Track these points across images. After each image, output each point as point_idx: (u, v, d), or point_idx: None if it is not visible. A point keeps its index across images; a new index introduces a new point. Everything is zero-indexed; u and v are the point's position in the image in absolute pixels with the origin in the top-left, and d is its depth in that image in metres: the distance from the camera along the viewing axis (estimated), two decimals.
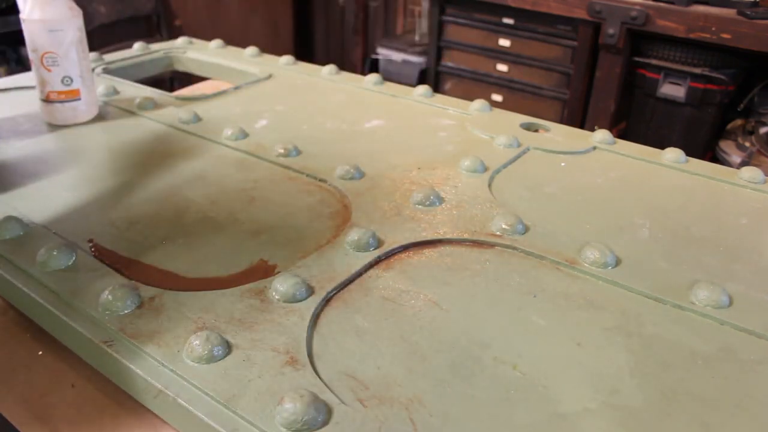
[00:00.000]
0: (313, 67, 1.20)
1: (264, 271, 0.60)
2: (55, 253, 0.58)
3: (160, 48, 1.28)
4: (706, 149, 2.05)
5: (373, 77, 1.11)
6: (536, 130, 0.96)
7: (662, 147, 0.89)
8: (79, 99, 0.91)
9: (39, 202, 0.71)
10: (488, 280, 0.59)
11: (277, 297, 0.54)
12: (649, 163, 0.86)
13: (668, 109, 2.05)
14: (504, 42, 2.33)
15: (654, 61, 2.02)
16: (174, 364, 0.47)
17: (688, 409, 0.45)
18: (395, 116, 0.99)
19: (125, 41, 1.64)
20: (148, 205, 0.70)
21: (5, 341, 0.58)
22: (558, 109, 2.29)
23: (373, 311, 0.55)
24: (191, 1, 2.67)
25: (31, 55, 0.88)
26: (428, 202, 0.71)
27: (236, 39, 1.78)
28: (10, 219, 0.64)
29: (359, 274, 0.59)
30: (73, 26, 0.88)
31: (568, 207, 0.74)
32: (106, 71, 1.14)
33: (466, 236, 0.65)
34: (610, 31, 2.00)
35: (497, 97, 2.42)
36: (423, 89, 1.06)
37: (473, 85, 2.47)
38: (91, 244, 0.62)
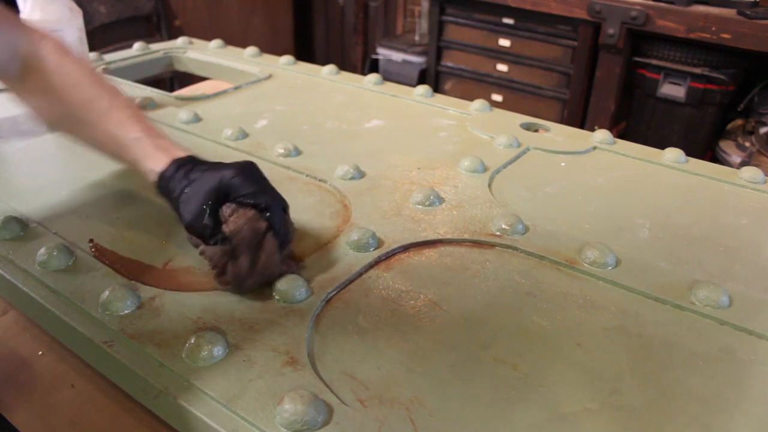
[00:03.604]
0: (313, 67, 1.20)
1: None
2: (55, 253, 0.58)
3: (160, 48, 1.28)
4: (706, 149, 2.05)
5: (373, 77, 1.11)
6: (536, 130, 0.96)
7: (662, 147, 0.89)
8: None
9: (39, 202, 0.71)
10: (488, 280, 0.59)
11: (277, 297, 0.54)
12: (649, 163, 0.86)
13: (668, 109, 2.05)
14: (504, 42, 2.33)
15: (654, 61, 2.01)
16: (174, 364, 0.47)
17: (688, 409, 0.45)
18: (395, 116, 0.99)
19: (125, 41, 1.64)
20: (148, 205, 0.70)
21: (5, 341, 0.58)
22: (558, 109, 2.29)
23: (373, 311, 0.55)
24: (191, 1, 2.67)
25: None
26: (428, 202, 0.71)
27: (236, 39, 1.78)
28: (10, 219, 0.64)
29: (359, 274, 0.59)
30: (73, 26, 0.88)
31: (568, 207, 0.74)
32: (106, 71, 1.14)
33: (466, 236, 0.65)
34: (610, 31, 2.00)
35: (497, 97, 2.42)
36: (423, 89, 1.06)
37: (473, 85, 2.47)
38: (91, 244, 0.62)
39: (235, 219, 0.56)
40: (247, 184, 0.57)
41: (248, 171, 0.59)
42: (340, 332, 0.52)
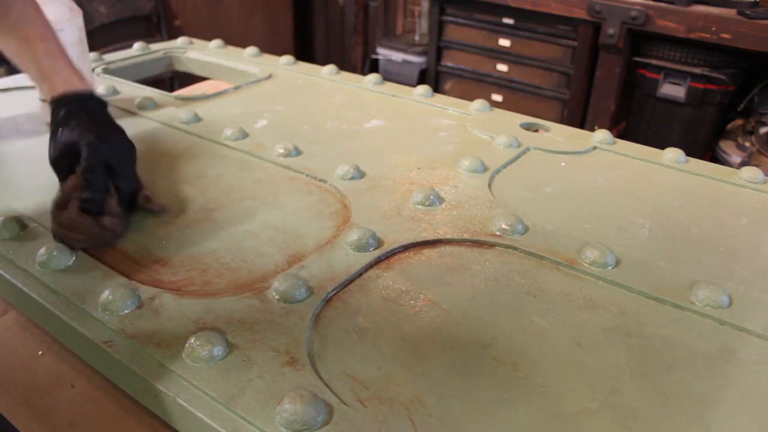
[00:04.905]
0: (313, 67, 1.20)
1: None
2: (55, 253, 0.58)
3: (160, 48, 1.28)
4: (706, 149, 2.05)
5: (373, 77, 1.11)
6: (536, 130, 0.96)
7: (662, 147, 0.89)
8: None
9: (39, 202, 0.71)
10: (488, 280, 0.59)
11: (277, 297, 0.54)
12: (649, 163, 0.86)
13: (668, 109, 2.04)
14: (504, 42, 2.33)
15: (654, 61, 2.01)
16: (174, 364, 0.47)
17: (688, 409, 0.45)
18: (395, 116, 0.99)
19: (125, 41, 1.64)
20: None
21: (5, 341, 0.58)
22: (558, 109, 2.29)
23: (373, 311, 0.55)
24: (191, 1, 2.67)
25: None
26: (428, 202, 0.71)
27: (236, 39, 1.78)
28: (10, 219, 0.64)
29: (359, 274, 0.59)
30: (73, 26, 0.88)
31: (568, 207, 0.74)
32: (106, 71, 1.14)
33: (466, 236, 0.65)
34: (610, 31, 2.00)
35: (497, 97, 2.42)
36: (423, 89, 1.06)
37: (473, 85, 2.47)
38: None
39: (74, 176, 0.63)
40: (91, 155, 0.62)
41: (105, 143, 0.63)
42: (340, 332, 0.52)
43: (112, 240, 0.63)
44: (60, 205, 0.62)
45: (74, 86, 0.66)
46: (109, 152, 0.63)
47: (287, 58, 1.21)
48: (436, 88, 2.50)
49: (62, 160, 0.64)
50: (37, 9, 0.70)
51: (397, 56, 2.73)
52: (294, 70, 1.18)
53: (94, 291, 0.55)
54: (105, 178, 0.63)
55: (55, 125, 0.64)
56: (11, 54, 0.69)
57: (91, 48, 1.01)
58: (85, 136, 0.62)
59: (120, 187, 0.64)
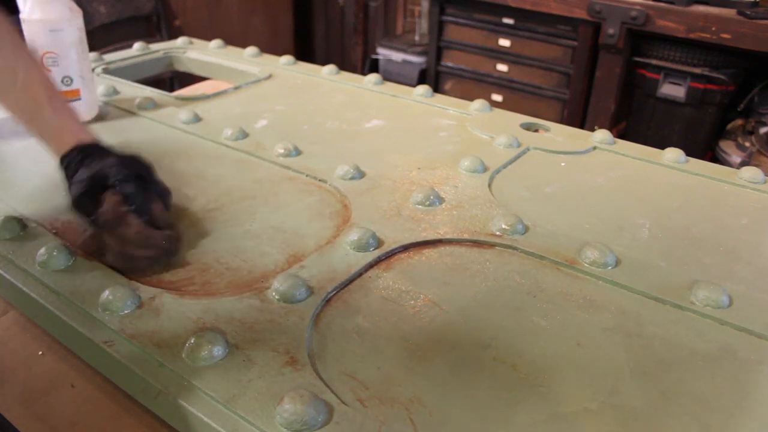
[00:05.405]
0: (313, 67, 1.20)
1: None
2: (55, 253, 0.58)
3: (160, 48, 1.28)
4: (706, 149, 2.05)
5: (373, 77, 1.11)
6: (536, 130, 0.96)
7: (662, 147, 0.89)
8: (79, 99, 0.91)
9: (39, 202, 0.71)
10: (488, 280, 0.59)
11: (277, 297, 0.54)
12: (649, 163, 0.86)
13: (668, 109, 2.04)
14: (504, 42, 2.33)
15: (654, 61, 2.01)
16: (174, 364, 0.47)
17: (688, 409, 0.45)
18: (395, 116, 0.99)
19: (125, 41, 1.64)
20: None
21: (5, 341, 0.58)
22: (558, 109, 2.29)
23: (373, 311, 0.55)
24: (191, 1, 2.67)
25: None
26: (428, 202, 0.71)
27: (236, 39, 1.78)
28: (10, 219, 0.64)
29: (359, 274, 0.59)
30: (73, 26, 0.88)
31: (568, 207, 0.74)
32: (106, 71, 1.14)
33: (466, 236, 0.65)
34: (610, 31, 2.00)
35: (497, 97, 2.42)
36: (423, 89, 1.06)
37: (473, 85, 2.47)
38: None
39: (105, 204, 0.61)
40: (120, 172, 0.62)
41: (127, 161, 0.64)
42: (340, 332, 0.52)
43: (177, 249, 0.62)
44: (115, 225, 0.60)
45: (83, 140, 0.66)
46: (135, 166, 0.64)
47: (287, 58, 1.21)
48: (436, 88, 2.50)
49: (85, 197, 0.62)
50: (40, 69, 0.70)
51: (397, 56, 2.73)
52: (294, 70, 1.18)
53: (94, 291, 0.55)
54: (141, 188, 0.62)
55: (70, 171, 0.64)
56: (17, 114, 0.68)
57: (91, 48, 1.01)
58: (106, 163, 0.62)
59: (159, 195, 0.64)
